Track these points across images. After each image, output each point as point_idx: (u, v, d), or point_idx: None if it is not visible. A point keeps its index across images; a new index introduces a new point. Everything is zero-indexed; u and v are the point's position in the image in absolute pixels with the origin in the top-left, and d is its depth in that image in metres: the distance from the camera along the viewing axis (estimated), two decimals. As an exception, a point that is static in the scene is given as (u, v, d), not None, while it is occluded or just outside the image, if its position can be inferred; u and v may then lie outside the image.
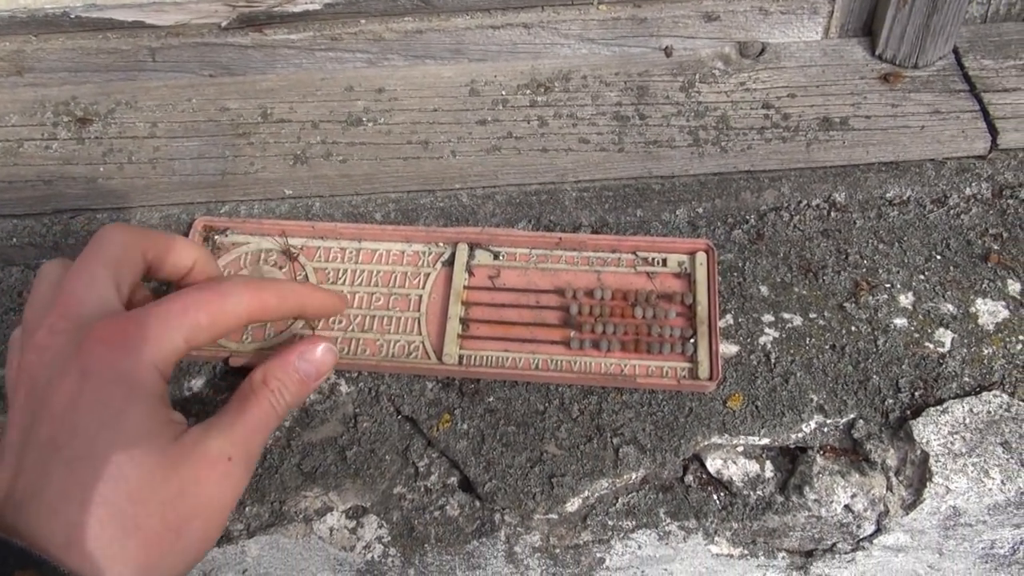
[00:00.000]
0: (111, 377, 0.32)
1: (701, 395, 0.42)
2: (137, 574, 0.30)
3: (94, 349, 0.32)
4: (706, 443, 0.42)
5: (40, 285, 0.36)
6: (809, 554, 0.44)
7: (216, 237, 0.46)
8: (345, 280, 0.45)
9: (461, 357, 0.42)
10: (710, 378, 0.41)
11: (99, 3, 0.50)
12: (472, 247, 0.45)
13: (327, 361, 0.39)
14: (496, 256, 0.45)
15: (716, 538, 0.42)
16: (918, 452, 0.40)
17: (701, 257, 0.44)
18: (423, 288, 0.44)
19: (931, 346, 0.44)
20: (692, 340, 0.42)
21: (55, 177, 0.49)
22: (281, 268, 0.45)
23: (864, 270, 0.46)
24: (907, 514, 0.41)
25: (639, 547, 0.42)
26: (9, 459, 0.32)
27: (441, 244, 0.46)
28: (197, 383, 0.43)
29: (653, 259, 0.45)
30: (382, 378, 0.43)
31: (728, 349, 0.44)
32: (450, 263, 0.45)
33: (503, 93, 0.52)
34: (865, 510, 0.41)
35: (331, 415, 0.42)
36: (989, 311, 0.45)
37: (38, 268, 0.37)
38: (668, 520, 0.41)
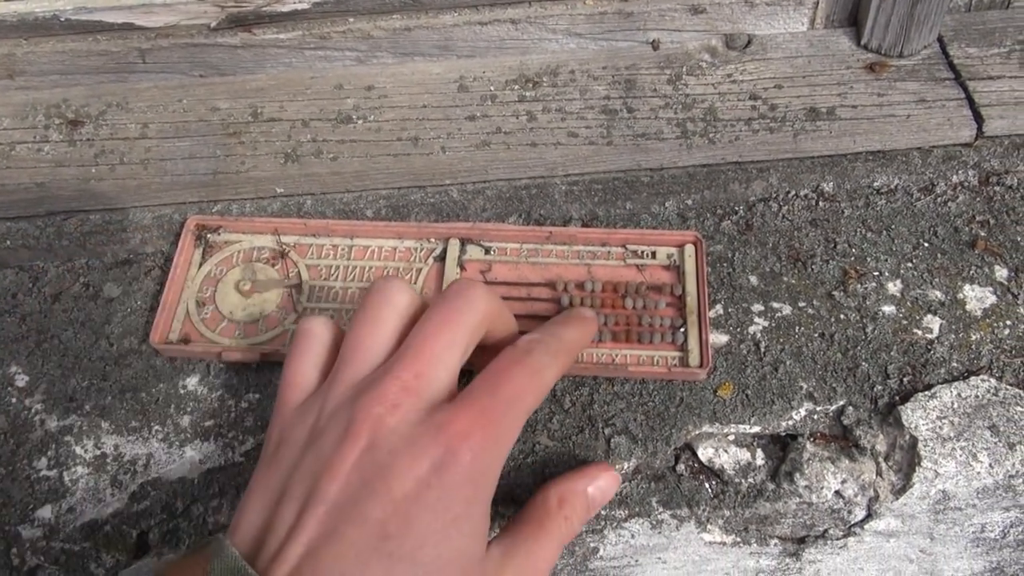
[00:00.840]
0: (464, 478, 0.30)
1: (692, 385, 0.43)
2: None
3: (454, 445, 0.30)
4: (697, 432, 0.42)
5: (384, 307, 0.34)
6: (801, 540, 0.44)
7: (208, 236, 0.46)
8: (338, 276, 0.45)
9: None
10: (700, 366, 0.42)
11: (88, 6, 0.50)
12: (463, 242, 0.46)
13: (611, 490, 0.38)
14: (487, 251, 0.46)
15: (709, 526, 0.42)
16: (907, 437, 0.41)
17: (689, 249, 0.45)
18: (416, 283, 0.45)
19: (919, 332, 0.44)
20: (682, 329, 0.43)
21: (47, 179, 0.49)
22: (274, 265, 0.45)
23: (852, 259, 0.47)
24: (897, 499, 0.41)
25: (632, 536, 0.42)
26: (322, 514, 0.29)
27: (433, 240, 0.46)
28: (191, 381, 0.43)
29: (642, 252, 0.45)
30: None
31: (718, 339, 0.44)
32: (442, 258, 0.45)
33: (492, 89, 0.52)
34: (855, 496, 0.41)
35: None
36: (977, 297, 0.45)
37: (374, 282, 0.35)
38: (660, 509, 0.41)
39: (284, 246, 0.46)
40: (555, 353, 0.35)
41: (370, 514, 0.29)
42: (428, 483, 0.29)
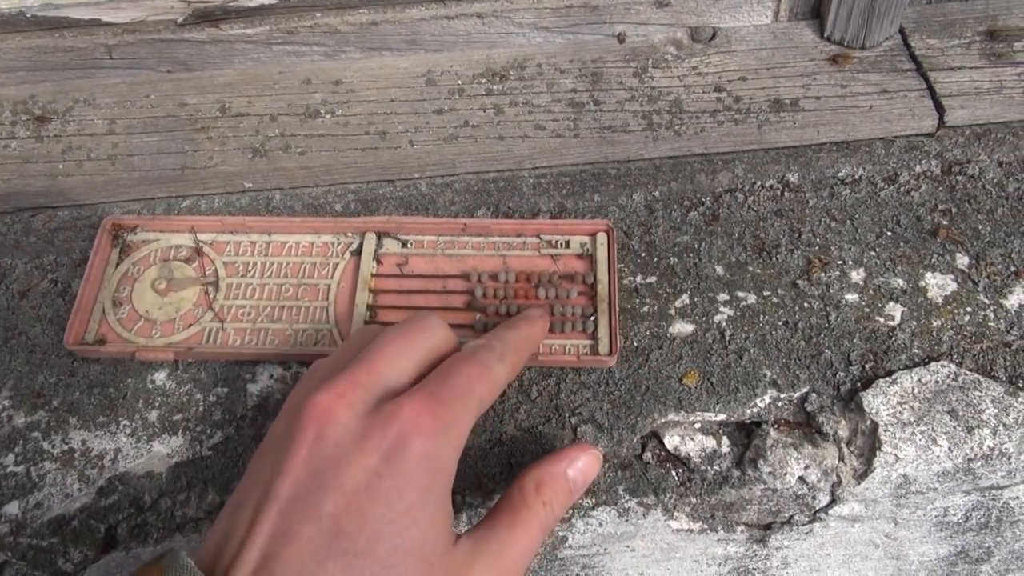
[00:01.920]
0: (415, 466, 0.30)
1: (658, 373, 0.43)
2: None
3: (402, 431, 0.30)
4: (663, 420, 0.42)
5: (360, 338, 0.35)
6: (767, 527, 0.45)
7: (126, 235, 0.46)
8: (255, 272, 0.45)
9: None
10: (610, 353, 0.42)
11: (55, 2, 0.50)
12: (380, 236, 0.46)
13: (593, 470, 0.37)
14: (404, 244, 0.46)
15: (675, 513, 0.43)
16: (868, 423, 0.41)
17: (602, 237, 0.46)
18: (331, 278, 0.45)
19: (881, 320, 0.45)
20: (593, 318, 0.43)
21: (14, 176, 0.49)
22: (191, 263, 0.46)
23: (817, 248, 0.47)
24: (859, 483, 0.42)
25: (600, 525, 0.42)
26: (274, 514, 0.29)
27: (350, 234, 0.46)
28: (160, 376, 0.43)
29: (557, 241, 0.46)
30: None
31: (684, 328, 0.45)
32: (358, 252, 0.45)
33: (459, 83, 0.52)
34: (819, 481, 0.42)
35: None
36: (938, 284, 0.46)
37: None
38: (627, 497, 0.42)
39: (200, 244, 0.46)
40: (501, 353, 0.36)
41: (323, 510, 0.28)
42: (379, 473, 0.29)
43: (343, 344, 0.35)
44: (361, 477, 0.29)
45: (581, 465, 0.36)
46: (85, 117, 0.51)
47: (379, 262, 0.45)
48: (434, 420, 0.31)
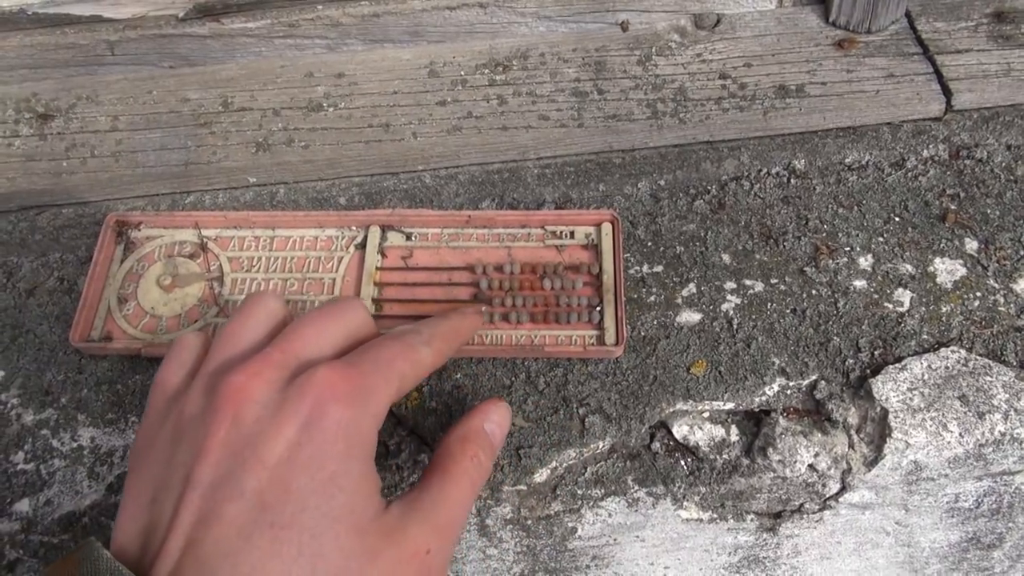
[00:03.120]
0: (334, 433, 0.29)
1: (666, 363, 0.43)
2: None
3: (319, 398, 0.30)
4: (671, 410, 0.42)
5: (256, 310, 0.34)
6: (778, 515, 0.45)
7: (129, 232, 0.46)
8: (260, 268, 0.45)
9: None
10: (616, 343, 0.42)
11: (56, -1, 0.50)
12: (384, 229, 0.46)
13: (507, 421, 0.37)
14: (408, 237, 0.46)
15: (685, 503, 0.43)
16: (878, 409, 0.41)
17: (607, 228, 0.45)
18: (337, 272, 0.45)
19: (890, 306, 0.44)
20: (599, 308, 0.43)
21: (19, 174, 0.49)
22: (195, 259, 0.45)
23: (824, 234, 0.47)
24: (870, 470, 0.42)
25: (609, 515, 0.42)
26: (196, 499, 0.28)
27: (354, 228, 0.46)
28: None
29: (561, 232, 0.46)
30: (350, 359, 0.44)
31: (691, 317, 0.44)
32: (363, 246, 0.45)
33: (462, 73, 0.52)
34: (829, 468, 0.42)
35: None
36: (947, 270, 0.46)
37: (251, 294, 0.35)
38: (636, 487, 0.42)
39: (205, 239, 0.46)
40: (428, 337, 0.35)
41: (246, 487, 0.28)
42: (299, 443, 0.29)
43: (235, 317, 0.34)
44: (281, 449, 0.29)
45: (496, 418, 0.37)
46: (88, 114, 0.51)
47: (384, 255, 0.45)
48: (350, 387, 0.30)
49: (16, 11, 0.50)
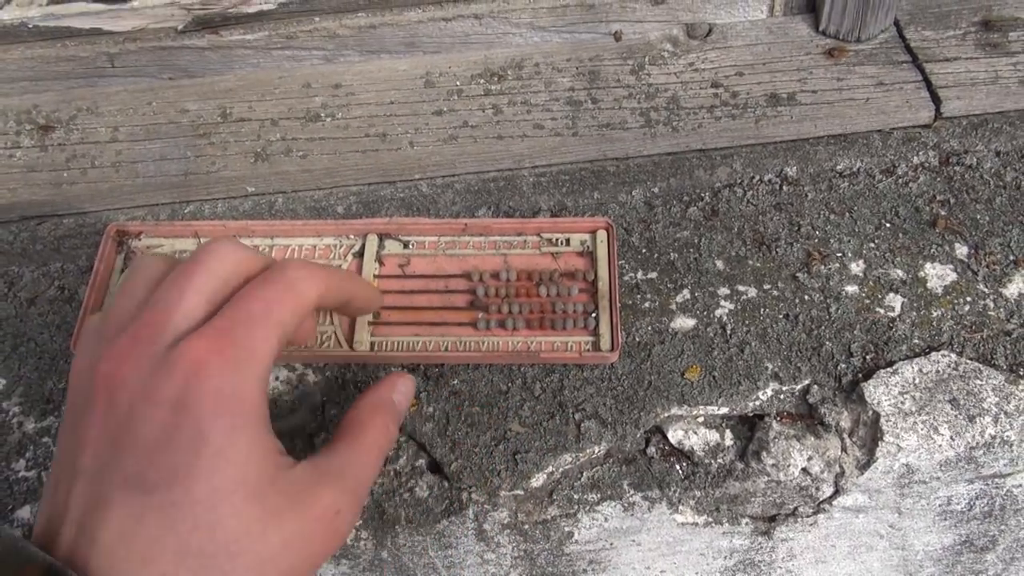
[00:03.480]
0: (212, 408, 0.28)
1: (660, 368, 0.43)
2: None
3: (189, 376, 0.28)
4: (666, 415, 0.43)
5: (135, 278, 0.32)
6: (772, 519, 0.45)
7: (130, 242, 0.47)
8: None
9: (372, 344, 0.43)
10: (611, 349, 0.43)
11: (56, 12, 0.51)
12: (382, 237, 0.46)
13: (411, 391, 0.38)
14: (405, 245, 0.46)
15: (680, 507, 0.43)
16: (870, 413, 0.42)
17: (602, 235, 0.46)
18: None
19: (881, 311, 0.45)
20: (594, 315, 0.44)
21: (20, 185, 0.50)
22: None
23: (816, 241, 0.47)
24: (862, 474, 0.42)
25: (606, 519, 0.43)
26: (82, 487, 0.28)
27: (352, 236, 0.46)
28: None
29: (557, 239, 0.46)
30: (348, 367, 0.44)
31: (685, 323, 0.45)
32: (360, 254, 0.46)
33: (458, 83, 0.53)
34: (822, 472, 0.42)
35: (299, 404, 0.43)
36: (937, 275, 0.46)
37: (132, 259, 0.33)
38: (632, 491, 0.42)
39: None
40: (311, 270, 0.33)
41: (128, 470, 0.28)
42: (176, 424, 0.28)
43: (119, 290, 0.33)
44: (157, 430, 0.28)
45: (403, 389, 0.38)
46: (88, 125, 0.52)
47: (381, 263, 0.46)
48: (222, 358, 0.29)
49: (17, 24, 0.51)
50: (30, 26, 0.51)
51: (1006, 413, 0.41)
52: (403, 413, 0.38)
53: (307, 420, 0.43)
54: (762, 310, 0.45)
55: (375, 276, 0.45)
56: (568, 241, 0.46)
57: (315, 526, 0.30)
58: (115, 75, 0.53)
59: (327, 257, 0.46)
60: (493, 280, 0.45)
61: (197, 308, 0.30)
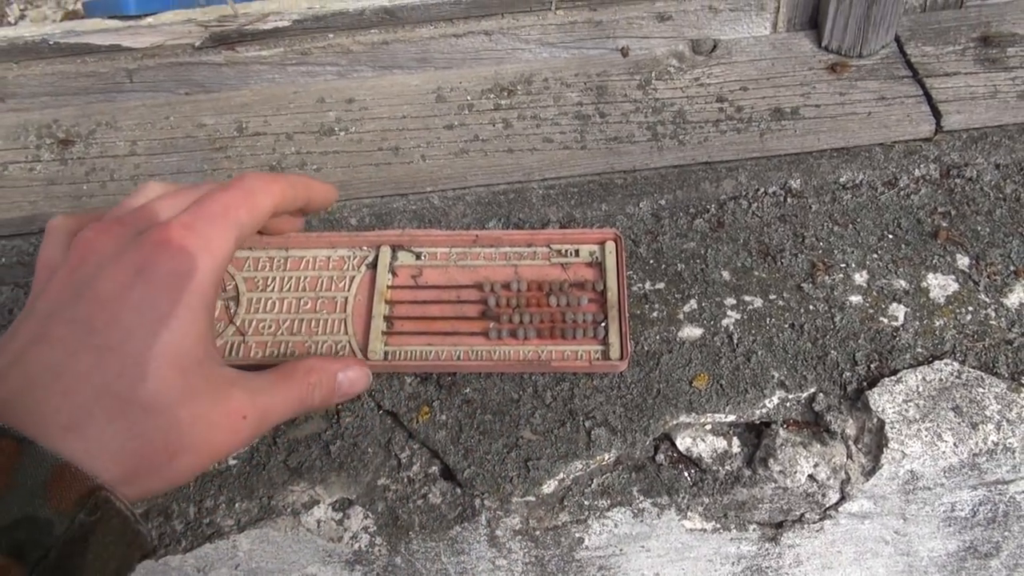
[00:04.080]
0: (166, 280, 0.32)
1: (668, 376, 0.44)
2: (119, 478, 0.30)
3: (153, 250, 0.32)
4: (675, 422, 0.43)
5: (136, 195, 0.37)
6: (779, 525, 0.46)
7: None
8: (274, 287, 0.46)
9: (386, 353, 0.44)
10: (621, 358, 0.43)
11: (76, 29, 0.52)
12: (395, 249, 0.47)
13: (360, 384, 0.41)
14: (418, 256, 0.47)
15: (689, 513, 0.44)
16: (875, 420, 0.42)
17: (610, 246, 0.47)
18: (348, 290, 0.46)
19: (885, 320, 0.46)
20: (603, 324, 0.44)
21: (40, 198, 0.51)
22: None
23: (820, 252, 0.48)
24: (868, 480, 0.43)
25: (615, 525, 0.43)
26: (30, 324, 0.32)
27: (365, 248, 0.47)
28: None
29: (566, 251, 0.47)
30: (362, 375, 0.45)
31: (692, 332, 0.46)
32: (374, 265, 0.47)
33: (468, 98, 0.54)
34: (828, 478, 0.43)
35: (314, 412, 0.44)
36: (940, 285, 0.47)
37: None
38: (641, 498, 0.43)
39: None
40: (269, 180, 0.38)
41: (78, 314, 0.31)
42: (131, 285, 0.32)
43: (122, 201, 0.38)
44: (114, 287, 0.32)
45: (352, 374, 0.40)
46: (107, 139, 0.53)
47: (394, 274, 0.47)
48: (183, 242, 0.33)
49: (38, 41, 0.52)
50: (51, 42, 0.52)
51: (1008, 420, 0.42)
52: (340, 394, 0.40)
53: (322, 428, 0.43)
54: (768, 319, 0.46)
55: (388, 286, 0.46)
56: (577, 252, 0.47)
57: (221, 419, 0.33)
58: (133, 90, 0.55)
59: (341, 268, 0.47)
60: (504, 290, 0.46)
61: (176, 208, 0.35)
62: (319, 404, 0.39)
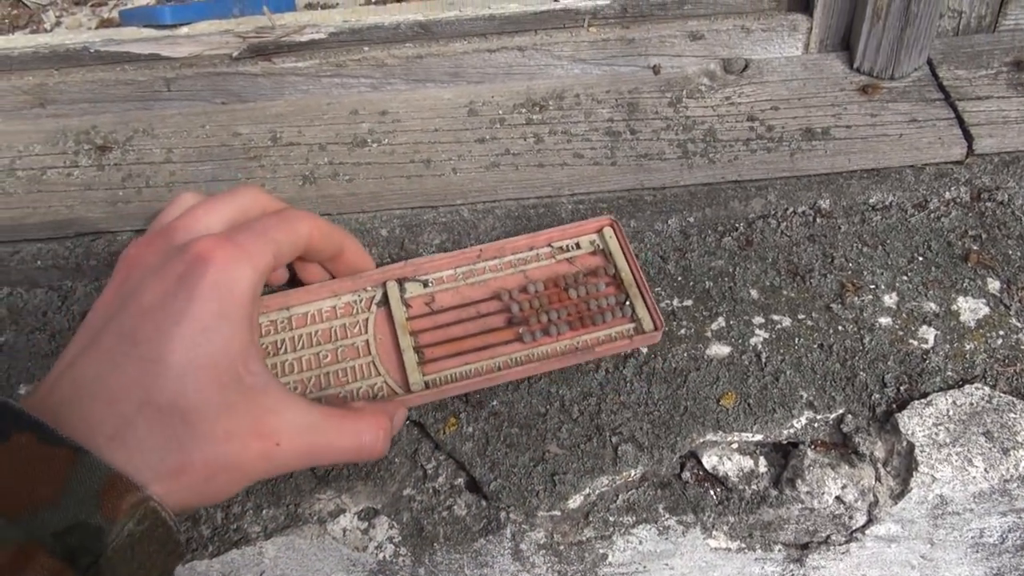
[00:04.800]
0: (208, 291, 0.33)
1: (696, 394, 0.44)
2: (158, 489, 0.31)
3: (195, 260, 0.33)
4: (702, 440, 0.43)
5: (172, 208, 0.38)
6: (805, 547, 0.46)
7: None
8: (286, 349, 0.45)
9: (427, 383, 0.43)
10: (655, 328, 0.44)
11: (116, 38, 0.53)
12: (400, 282, 0.46)
13: (403, 420, 0.42)
14: (425, 284, 0.47)
15: (714, 532, 0.43)
16: (904, 443, 0.42)
17: (608, 232, 0.47)
18: (367, 332, 0.45)
19: (915, 343, 0.46)
20: (627, 302, 0.45)
21: (77, 202, 0.52)
22: None
23: (849, 272, 0.48)
24: (896, 503, 0.42)
25: (640, 542, 0.43)
26: (83, 337, 0.33)
27: (370, 288, 0.46)
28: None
29: (567, 245, 0.48)
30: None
31: (720, 350, 0.46)
32: (384, 302, 0.46)
33: (500, 113, 0.54)
34: (856, 501, 0.43)
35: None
36: (970, 308, 0.47)
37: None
38: (667, 515, 0.43)
39: None
40: (310, 216, 0.40)
41: (123, 325, 0.32)
42: (174, 294, 0.32)
43: (159, 213, 0.39)
44: (157, 297, 0.33)
45: (400, 416, 0.41)
46: (144, 146, 0.54)
47: (408, 306, 0.46)
48: (225, 252, 0.34)
49: (79, 48, 0.53)
50: (91, 51, 0.53)
51: (1040, 447, 0.42)
52: (390, 436, 0.39)
53: (350, 436, 0.44)
54: (796, 339, 0.46)
55: (407, 319, 0.45)
56: (578, 245, 0.47)
57: (252, 439, 0.33)
58: (171, 99, 0.56)
59: (351, 313, 0.46)
60: (522, 294, 0.46)
61: (216, 224, 0.36)
62: (369, 454, 0.38)
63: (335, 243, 0.42)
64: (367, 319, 0.46)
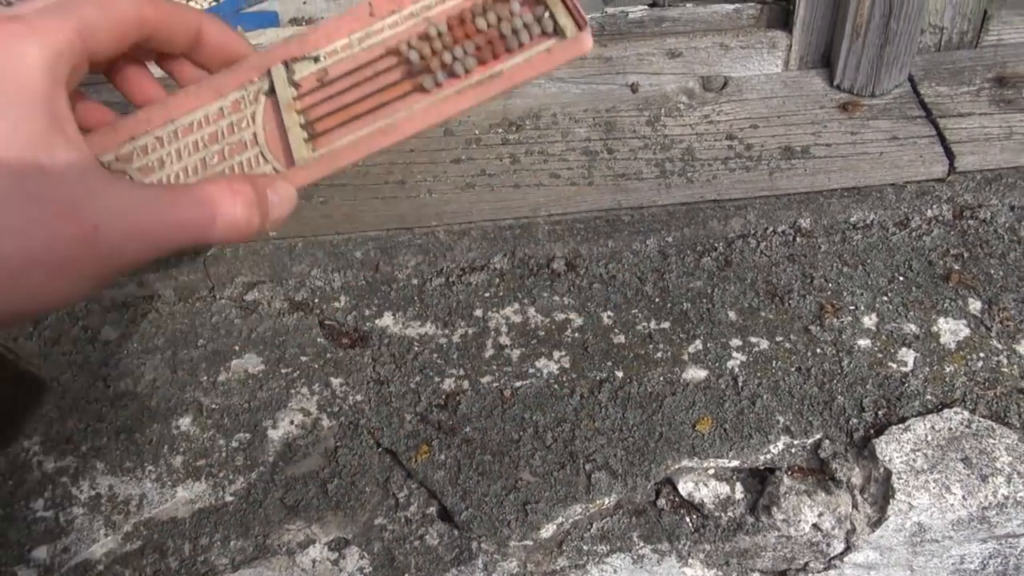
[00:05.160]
0: None
1: (671, 420, 0.43)
2: None
3: None
4: (677, 467, 0.43)
5: None
6: (783, 574, 0.45)
7: None
8: (172, 160, 0.41)
9: (317, 157, 0.40)
10: (579, 29, 0.38)
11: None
12: (288, 64, 0.42)
13: (288, 204, 0.39)
14: (316, 60, 0.42)
15: (690, 560, 0.43)
16: (881, 470, 0.42)
17: None
18: (254, 124, 0.42)
19: (894, 366, 0.45)
20: (547, 14, 0.39)
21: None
22: None
23: (829, 293, 0.48)
24: (873, 531, 0.42)
25: (614, 571, 0.43)
26: None
27: (257, 79, 0.42)
28: (184, 421, 0.45)
29: None
30: (362, 412, 0.45)
31: (697, 374, 0.45)
32: (272, 91, 0.42)
33: (476, 132, 0.54)
34: (833, 528, 0.42)
35: (312, 449, 0.44)
36: (951, 330, 0.46)
37: None
38: (642, 544, 0.42)
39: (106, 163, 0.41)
40: None
41: None
42: None
43: None
44: None
45: (282, 192, 0.38)
46: (116, 168, 0.53)
47: (297, 86, 0.41)
48: (5, 29, 0.30)
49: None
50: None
51: (1019, 473, 0.41)
52: (256, 206, 0.36)
53: (320, 465, 0.43)
54: (774, 362, 0.45)
55: (293, 98, 0.41)
56: None
57: (63, 225, 0.30)
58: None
59: (238, 110, 0.42)
60: (424, 42, 0.40)
61: (30, 8, 0.32)
62: (243, 228, 0.34)
63: (185, 23, 0.37)
64: (255, 112, 0.42)
